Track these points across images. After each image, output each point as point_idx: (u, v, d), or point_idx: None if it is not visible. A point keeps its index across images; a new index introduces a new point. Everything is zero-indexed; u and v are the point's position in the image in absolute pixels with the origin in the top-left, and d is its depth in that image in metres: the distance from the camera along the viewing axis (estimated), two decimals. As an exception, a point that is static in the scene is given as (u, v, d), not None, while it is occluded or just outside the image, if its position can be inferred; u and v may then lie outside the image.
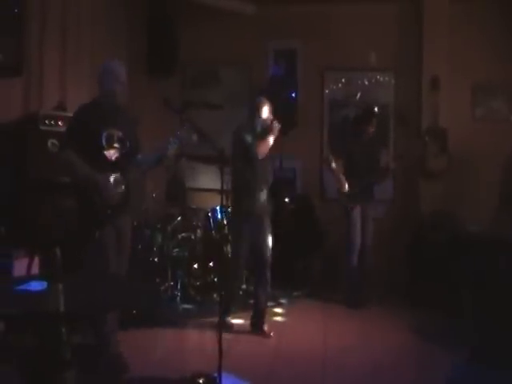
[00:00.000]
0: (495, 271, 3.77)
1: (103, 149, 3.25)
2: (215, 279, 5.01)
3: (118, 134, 3.32)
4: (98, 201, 3.23)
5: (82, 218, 3.30)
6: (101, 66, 3.42)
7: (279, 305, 5.17)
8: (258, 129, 4.30)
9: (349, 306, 5.08)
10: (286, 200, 5.92)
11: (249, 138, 4.23)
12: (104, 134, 3.24)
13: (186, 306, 4.83)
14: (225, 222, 5.11)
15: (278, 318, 4.83)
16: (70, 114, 4.17)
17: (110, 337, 3.33)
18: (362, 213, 5.20)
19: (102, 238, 3.26)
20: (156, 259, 4.85)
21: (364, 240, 5.21)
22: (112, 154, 3.28)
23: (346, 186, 5.14)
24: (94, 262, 3.27)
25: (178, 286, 4.83)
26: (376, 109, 5.89)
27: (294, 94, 6.03)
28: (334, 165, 5.21)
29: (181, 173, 5.79)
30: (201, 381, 3.30)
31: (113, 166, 3.29)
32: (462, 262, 4.53)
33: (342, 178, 5.17)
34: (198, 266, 4.98)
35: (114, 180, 3.29)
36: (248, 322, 4.54)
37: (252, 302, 4.52)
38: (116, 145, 3.30)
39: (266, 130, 4.28)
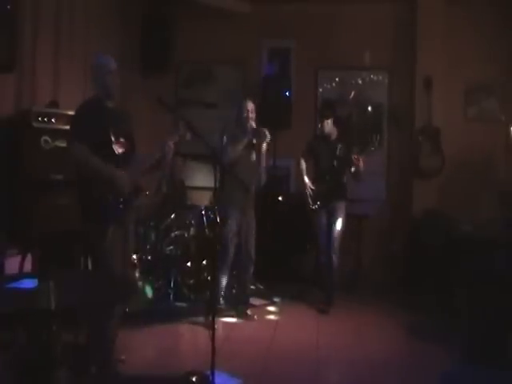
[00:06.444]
0: (489, 270, 3.79)
1: (112, 143, 3.23)
2: (208, 277, 5.00)
3: (122, 128, 3.32)
4: (114, 195, 3.20)
5: (94, 212, 3.18)
6: (92, 63, 3.44)
7: (273, 303, 5.16)
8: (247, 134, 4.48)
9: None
10: (280, 199, 5.92)
11: (225, 140, 4.44)
12: (112, 128, 3.23)
13: (179, 304, 4.81)
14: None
15: (272, 317, 4.82)
16: (63, 111, 4.18)
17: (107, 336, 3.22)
18: (328, 213, 5.07)
19: (112, 236, 3.19)
20: (149, 257, 4.84)
21: (330, 240, 5.04)
22: (118, 148, 3.26)
23: (310, 186, 5.08)
24: (103, 260, 3.21)
25: (171, 284, 4.82)
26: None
27: (287, 93, 6.03)
28: (302, 165, 5.17)
29: (178, 171, 5.77)
30: (194, 379, 3.30)
31: (118, 161, 3.25)
32: (456, 261, 4.55)
33: (306, 178, 5.12)
34: (191, 264, 4.97)
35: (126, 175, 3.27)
36: (241, 320, 4.57)
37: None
38: (122, 139, 3.29)
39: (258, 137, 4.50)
